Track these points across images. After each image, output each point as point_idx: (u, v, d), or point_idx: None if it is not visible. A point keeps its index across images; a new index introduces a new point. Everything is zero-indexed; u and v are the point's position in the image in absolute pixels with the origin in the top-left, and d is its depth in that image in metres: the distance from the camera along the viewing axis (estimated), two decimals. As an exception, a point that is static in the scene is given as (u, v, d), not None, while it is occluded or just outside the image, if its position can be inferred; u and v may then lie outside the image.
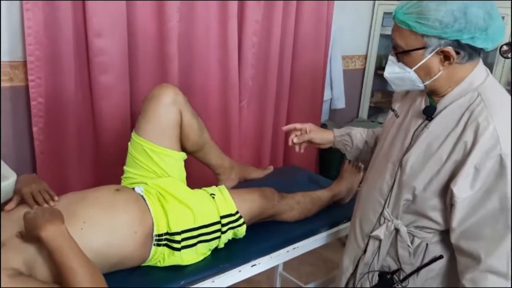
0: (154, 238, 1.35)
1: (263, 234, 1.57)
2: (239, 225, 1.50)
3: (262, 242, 1.53)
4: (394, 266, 1.28)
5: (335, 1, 2.84)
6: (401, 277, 1.24)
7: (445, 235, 1.18)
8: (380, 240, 1.28)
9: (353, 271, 1.39)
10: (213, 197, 1.50)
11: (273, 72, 2.63)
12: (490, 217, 1.05)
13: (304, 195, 1.72)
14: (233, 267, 1.42)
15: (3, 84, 1.81)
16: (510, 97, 1.13)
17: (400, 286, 1.24)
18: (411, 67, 1.11)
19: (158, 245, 1.35)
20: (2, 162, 1.75)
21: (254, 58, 2.52)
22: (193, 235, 1.39)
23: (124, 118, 2.08)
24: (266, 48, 2.56)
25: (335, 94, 3.17)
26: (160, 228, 1.36)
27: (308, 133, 1.57)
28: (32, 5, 1.73)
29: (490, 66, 2.92)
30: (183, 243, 1.37)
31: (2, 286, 1.05)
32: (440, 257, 1.20)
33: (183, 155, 1.62)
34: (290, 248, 1.57)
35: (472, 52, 1.08)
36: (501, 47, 2.56)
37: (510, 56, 2.54)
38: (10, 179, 1.59)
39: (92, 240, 1.24)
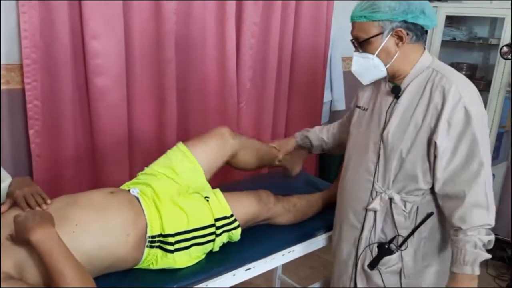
0: (147, 240, 1.34)
1: (259, 237, 1.56)
2: (234, 228, 1.49)
3: (257, 246, 1.53)
4: (390, 236, 1.40)
5: (335, 2, 2.82)
6: (399, 243, 1.37)
7: (432, 195, 1.36)
8: (375, 212, 1.40)
9: (356, 254, 1.47)
10: (207, 200, 1.49)
11: (272, 74, 2.62)
12: (464, 159, 1.27)
13: (300, 197, 1.71)
14: (227, 270, 1.41)
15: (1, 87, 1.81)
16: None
17: (398, 250, 1.37)
18: (373, 53, 1.32)
19: (151, 247, 1.35)
20: (-1, 165, 1.76)
21: (252, 59, 2.51)
22: (187, 237, 1.38)
23: (121, 120, 2.07)
24: (265, 49, 2.55)
25: (335, 95, 3.15)
26: (154, 229, 1.35)
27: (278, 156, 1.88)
28: (28, 7, 1.72)
29: (491, 68, 2.91)
30: (177, 246, 1.36)
31: None
32: (431, 213, 1.35)
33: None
34: (285, 251, 1.56)
35: (417, 32, 1.32)
36: (502, 48, 2.54)
37: (510, 58, 2.52)
38: (5, 182, 1.60)
39: (84, 243, 1.23)
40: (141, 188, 1.47)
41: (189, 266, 1.38)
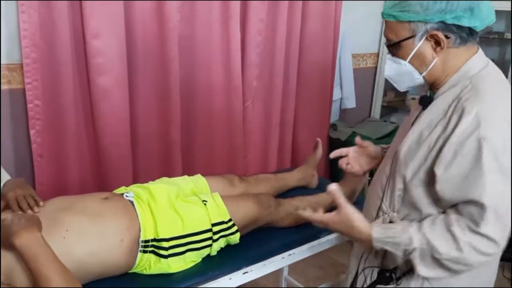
0: (141, 244, 1.31)
1: (258, 240, 1.52)
2: (232, 233, 1.44)
3: (256, 248, 1.48)
4: (393, 263, 1.21)
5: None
6: (397, 275, 1.19)
7: None
8: None
9: (357, 270, 1.33)
10: (205, 204, 1.45)
11: (279, 72, 2.58)
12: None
13: (303, 200, 1.66)
14: (223, 274, 1.37)
15: (2, 87, 1.81)
16: (509, 86, 1.11)
17: (395, 283, 1.20)
18: (405, 59, 1.12)
19: (144, 251, 1.31)
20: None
21: (258, 58, 2.47)
22: (182, 242, 1.35)
23: (123, 120, 2.06)
24: (271, 47, 2.50)
25: (345, 93, 3.08)
26: (147, 233, 1.32)
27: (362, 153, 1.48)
28: (27, 6, 1.72)
29: (506, 63, 2.80)
30: (171, 251, 1.32)
31: None
32: None
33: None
34: (285, 254, 1.51)
35: (462, 34, 1.07)
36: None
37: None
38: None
39: (75, 249, 1.21)
40: (136, 191, 1.44)
41: (184, 270, 1.34)
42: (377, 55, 3.30)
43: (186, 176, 1.66)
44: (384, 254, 1.22)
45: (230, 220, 1.45)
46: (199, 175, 1.67)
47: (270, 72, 2.55)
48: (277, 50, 2.52)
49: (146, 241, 1.32)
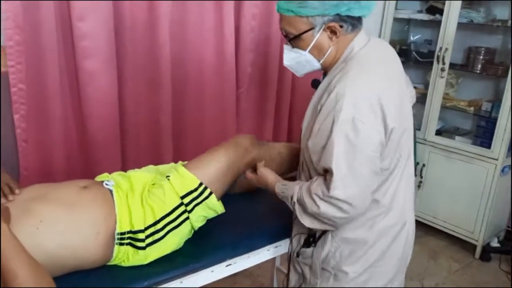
0: (116, 237, 1.27)
1: (243, 231, 1.48)
2: (206, 197, 1.38)
3: (240, 240, 1.44)
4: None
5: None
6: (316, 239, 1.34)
7: None
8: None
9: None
10: (169, 179, 1.38)
11: (275, 58, 2.51)
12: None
13: (286, 146, 1.61)
14: (204, 267, 1.33)
15: (-17, 70, 1.76)
16: (384, 59, 1.27)
17: (311, 246, 1.34)
18: (305, 50, 1.23)
19: (121, 244, 1.27)
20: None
21: (253, 43, 2.41)
22: (158, 228, 1.30)
23: (112, 104, 2.00)
24: (267, 32, 2.44)
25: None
26: (123, 225, 1.28)
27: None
28: (9, -13, 1.66)
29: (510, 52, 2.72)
30: (148, 240, 1.28)
31: None
32: None
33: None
34: (271, 246, 1.47)
35: (353, 22, 1.21)
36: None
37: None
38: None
39: (48, 241, 1.17)
40: (117, 180, 1.39)
41: (162, 262, 1.31)
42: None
43: (173, 163, 1.61)
44: None
45: (200, 184, 1.38)
46: (184, 162, 1.62)
47: (265, 58, 2.49)
48: (273, 35, 2.45)
49: (122, 233, 1.28)
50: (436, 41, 2.90)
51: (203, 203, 1.38)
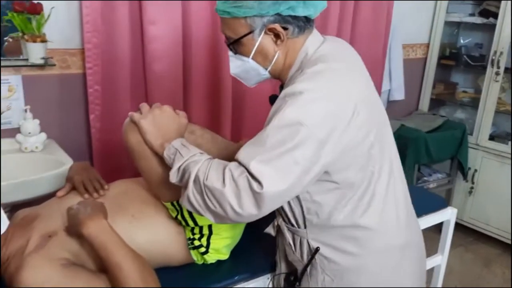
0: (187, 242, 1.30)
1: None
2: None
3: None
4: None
5: (397, -14, 2.68)
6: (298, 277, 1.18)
7: (316, 229, 1.12)
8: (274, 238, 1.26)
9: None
10: None
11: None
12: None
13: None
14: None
15: (62, 72, 1.83)
16: (344, 57, 1.11)
17: (296, 285, 1.19)
18: (248, 56, 1.08)
19: (192, 248, 1.30)
20: (60, 149, 1.79)
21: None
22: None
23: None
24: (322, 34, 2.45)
25: (394, 84, 3.00)
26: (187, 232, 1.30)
27: None
28: (89, -8, 1.73)
29: None
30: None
31: (53, 275, 1.02)
32: (317, 249, 1.13)
33: None
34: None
35: (299, 23, 1.05)
36: None
37: None
38: (67, 165, 1.62)
39: (139, 236, 1.20)
40: None
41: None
42: (428, 45, 3.20)
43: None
44: (286, 262, 1.24)
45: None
46: None
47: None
48: (329, 32, 2.46)
49: (189, 239, 1.30)
50: (487, 45, 2.87)
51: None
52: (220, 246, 1.31)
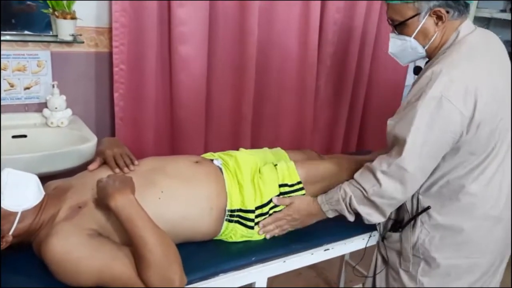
0: (227, 214, 1.31)
1: (338, 218, 1.48)
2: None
3: (337, 228, 1.45)
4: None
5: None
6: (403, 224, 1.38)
7: (428, 185, 1.30)
8: None
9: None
10: (276, 168, 1.42)
11: (354, 52, 2.50)
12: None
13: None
14: (305, 249, 1.36)
15: (90, 50, 1.86)
16: (490, 49, 1.25)
17: (398, 231, 1.38)
18: (410, 36, 1.25)
19: (230, 221, 1.31)
20: (85, 126, 1.82)
21: (335, 35, 2.40)
22: (264, 211, 1.34)
23: (200, 90, 2.06)
24: (349, 25, 2.43)
25: (418, 79, 2.95)
26: (234, 203, 1.32)
27: None
28: (119, -29, 1.74)
29: None
30: (258, 219, 1.32)
31: (79, 244, 1.05)
32: (428, 207, 1.31)
33: None
34: (366, 236, 1.48)
35: (459, 7, 1.20)
36: None
37: None
38: (91, 141, 1.65)
39: (169, 211, 1.22)
40: (224, 158, 1.43)
41: (267, 241, 1.35)
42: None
43: (266, 149, 1.65)
44: (397, 210, 1.39)
45: (298, 183, 1.41)
46: (279, 148, 1.65)
47: (345, 51, 2.48)
48: (355, 28, 2.44)
49: (232, 211, 1.32)
50: (517, 43, 2.80)
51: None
52: None
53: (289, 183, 1.41)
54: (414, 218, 1.33)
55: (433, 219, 1.31)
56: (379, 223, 1.45)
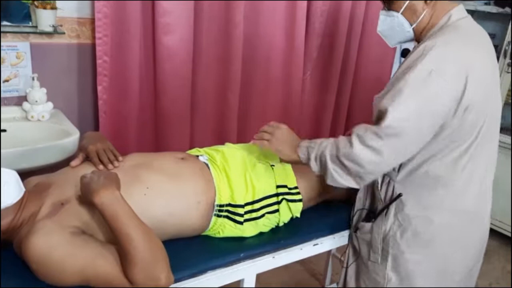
0: (215, 208, 1.29)
1: (325, 213, 1.48)
2: (295, 201, 1.39)
3: (324, 222, 1.44)
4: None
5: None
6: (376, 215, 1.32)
7: (405, 173, 1.24)
8: None
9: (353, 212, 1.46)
10: (273, 168, 1.41)
11: (341, 43, 2.49)
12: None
13: None
14: (294, 244, 1.34)
15: (71, 41, 1.80)
16: (482, 36, 1.21)
17: (371, 221, 1.33)
18: (398, 11, 1.22)
19: (219, 215, 1.29)
20: (67, 120, 1.77)
21: (321, 27, 2.39)
22: (256, 208, 1.32)
23: (185, 80, 2.03)
24: (335, 17, 2.41)
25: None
26: (223, 198, 1.30)
27: None
28: (101, -40, 1.69)
29: None
30: (247, 216, 1.30)
31: (61, 242, 1.02)
32: (399, 195, 1.26)
33: None
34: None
35: None
36: None
37: None
38: (73, 136, 1.60)
39: (154, 207, 1.19)
40: (210, 154, 1.40)
41: (256, 236, 1.33)
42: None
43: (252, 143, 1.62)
44: (372, 199, 1.36)
45: (295, 187, 1.40)
46: None
47: (331, 43, 2.47)
48: (341, 20, 2.42)
49: (221, 206, 1.29)
50: (500, 35, 2.82)
51: (290, 202, 1.38)
52: None
53: (289, 186, 1.40)
54: (387, 206, 1.27)
55: (407, 209, 1.25)
56: (354, 214, 1.40)
